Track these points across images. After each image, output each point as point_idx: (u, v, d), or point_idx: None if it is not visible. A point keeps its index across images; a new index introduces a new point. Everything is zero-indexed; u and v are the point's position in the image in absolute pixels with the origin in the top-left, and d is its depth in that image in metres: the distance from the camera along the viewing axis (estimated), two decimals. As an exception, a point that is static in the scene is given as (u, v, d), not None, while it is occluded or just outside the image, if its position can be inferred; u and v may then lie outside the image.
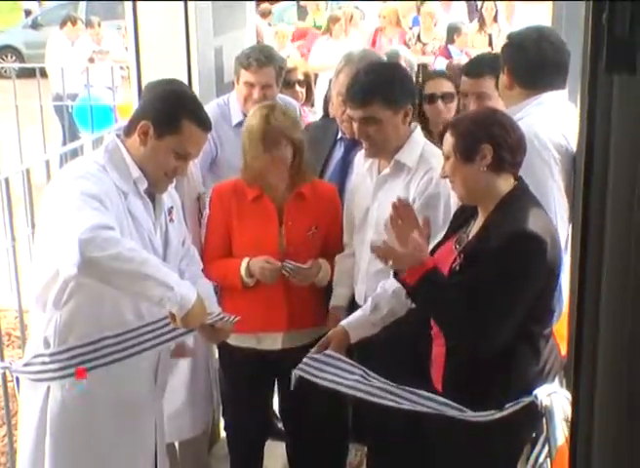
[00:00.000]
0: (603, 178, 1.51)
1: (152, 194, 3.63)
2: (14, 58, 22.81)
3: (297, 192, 4.32)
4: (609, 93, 1.48)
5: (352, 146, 4.53)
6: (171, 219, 3.74)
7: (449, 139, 3.44)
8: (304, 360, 3.77)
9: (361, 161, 4.29)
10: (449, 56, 11.43)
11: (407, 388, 3.52)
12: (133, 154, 3.54)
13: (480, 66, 4.92)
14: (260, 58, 5.05)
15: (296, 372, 3.78)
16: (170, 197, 3.78)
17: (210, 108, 5.01)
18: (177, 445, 4.77)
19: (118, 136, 3.63)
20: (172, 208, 3.77)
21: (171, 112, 3.55)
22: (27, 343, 3.82)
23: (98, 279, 3.28)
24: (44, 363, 3.55)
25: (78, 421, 3.60)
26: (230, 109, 5.09)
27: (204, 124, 3.62)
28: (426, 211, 3.89)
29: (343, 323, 3.89)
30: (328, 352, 3.76)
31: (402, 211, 3.58)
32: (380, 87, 3.96)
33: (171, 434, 4.27)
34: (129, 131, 3.58)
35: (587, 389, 1.64)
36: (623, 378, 1.61)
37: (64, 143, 11.13)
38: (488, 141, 3.35)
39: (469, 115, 3.67)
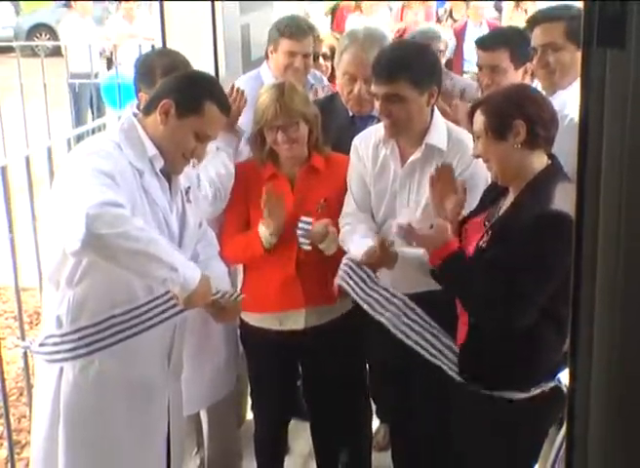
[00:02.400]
0: (597, 146, 1.56)
1: (168, 174, 3.61)
2: (48, 36, 23.00)
3: (308, 165, 4.27)
4: (602, 66, 1.51)
5: (368, 122, 4.47)
6: (188, 200, 3.71)
7: (479, 118, 3.39)
8: (346, 269, 3.88)
9: (369, 143, 4.16)
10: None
11: (437, 335, 3.67)
12: (151, 133, 3.52)
13: (494, 39, 4.84)
14: (303, 26, 5.07)
15: (338, 282, 3.88)
16: (187, 177, 3.76)
17: (242, 83, 4.99)
18: (204, 424, 4.77)
19: (135, 114, 3.61)
20: (189, 188, 3.74)
21: (194, 93, 3.52)
22: (41, 322, 3.82)
23: (101, 256, 3.25)
24: (55, 343, 3.54)
25: (90, 402, 3.59)
26: (264, 81, 4.97)
27: (225, 107, 3.61)
28: (467, 190, 3.85)
29: (403, 249, 3.80)
30: (373, 276, 3.87)
31: (442, 173, 3.55)
32: (408, 65, 3.87)
33: (194, 402, 4.32)
34: (149, 109, 3.56)
35: (584, 375, 1.64)
36: (616, 363, 1.61)
37: (76, 123, 11.18)
38: (521, 117, 3.29)
39: (499, 92, 3.57)
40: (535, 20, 4.21)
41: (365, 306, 3.84)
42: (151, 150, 3.50)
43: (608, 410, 1.56)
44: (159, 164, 3.53)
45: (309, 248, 4.10)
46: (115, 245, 3.15)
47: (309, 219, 4.09)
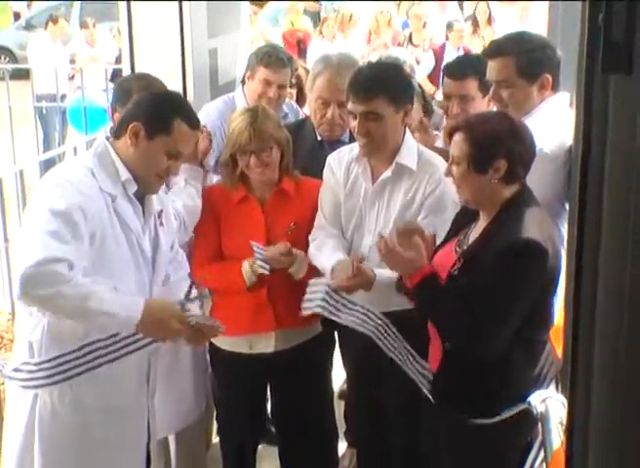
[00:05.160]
0: (599, 177, 1.53)
1: (142, 197, 3.63)
2: (7, 59, 22.78)
3: (278, 189, 4.29)
4: (605, 93, 1.49)
5: (337, 148, 4.46)
6: (160, 223, 3.73)
7: (462, 145, 3.35)
8: (323, 295, 3.82)
9: (343, 161, 4.20)
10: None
11: (415, 357, 3.65)
12: (123, 156, 3.53)
13: (463, 68, 4.85)
14: (283, 58, 5.09)
15: (315, 309, 3.84)
16: (160, 200, 3.78)
17: (215, 105, 5.03)
18: (171, 445, 4.75)
19: (107, 138, 3.62)
20: (161, 211, 3.76)
21: (162, 112, 3.54)
22: (14, 347, 3.80)
23: (41, 310, 3.40)
24: (31, 371, 3.53)
25: (68, 427, 3.58)
26: (237, 106, 4.99)
27: (194, 123, 3.63)
28: (435, 212, 3.89)
29: (376, 270, 3.82)
30: (351, 300, 3.82)
31: (408, 233, 3.54)
32: (385, 83, 3.92)
33: (163, 427, 4.28)
34: (118, 132, 3.57)
35: (583, 395, 1.64)
36: (618, 383, 1.59)
37: (45, 145, 11.11)
38: (504, 157, 3.28)
39: (486, 121, 3.46)
40: (488, 53, 4.21)
41: (350, 324, 3.84)
42: (124, 174, 3.52)
43: (609, 432, 1.56)
44: (132, 188, 3.55)
45: (267, 272, 4.10)
46: (49, 304, 3.30)
47: (259, 244, 4.10)
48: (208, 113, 4.95)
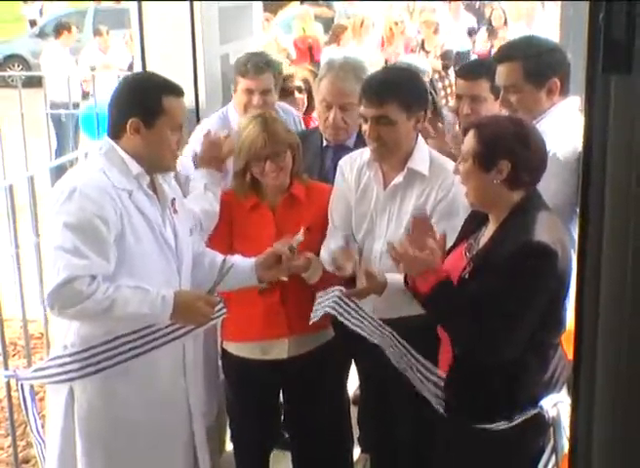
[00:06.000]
0: (601, 174, 1.53)
1: (154, 189, 3.70)
2: (21, 66, 22.95)
3: (289, 194, 4.30)
4: (606, 92, 1.50)
5: (340, 153, 4.49)
6: (174, 211, 3.79)
7: (471, 141, 3.37)
8: (336, 299, 3.88)
9: (354, 166, 4.20)
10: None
11: (426, 365, 3.66)
12: (132, 152, 3.60)
13: (475, 69, 4.87)
14: (258, 64, 5.02)
15: (328, 311, 3.90)
16: (171, 188, 3.85)
17: (211, 122, 5.03)
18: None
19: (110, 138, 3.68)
20: (174, 199, 3.82)
21: (149, 99, 3.60)
22: (51, 351, 3.89)
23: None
24: (63, 364, 3.62)
25: (107, 423, 3.68)
26: (230, 120, 5.02)
27: (179, 91, 3.69)
28: (447, 217, 3.89)
29: (388, 275, 3.82)
30: (364, 311, 3.89)
31: (420, 225, 3.55)
32: (398, 88, 3.92)
33: None
34: (117, 133, 3.63)
35: (586, 396, 1.64)
36: (622, 382, 1.60)
37: (58, 153, 11.16)
38: (507, 158, 3.28)
39: (498, 122, 3.49)
40: (497, 58, 4.21)
41: (357, 330, 3.85)
42: (135, 169, 3.60)
43: (613, 430, 1.56)
44: (145, 180, 3.63)
45: (285, 278, 4.11)
46: (78, 319, 3.53)
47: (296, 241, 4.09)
48: (203, 130, 4.93)
